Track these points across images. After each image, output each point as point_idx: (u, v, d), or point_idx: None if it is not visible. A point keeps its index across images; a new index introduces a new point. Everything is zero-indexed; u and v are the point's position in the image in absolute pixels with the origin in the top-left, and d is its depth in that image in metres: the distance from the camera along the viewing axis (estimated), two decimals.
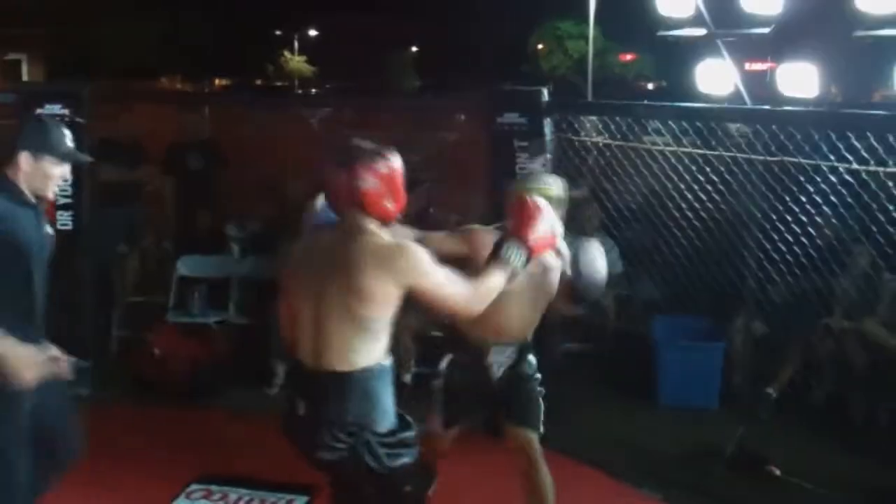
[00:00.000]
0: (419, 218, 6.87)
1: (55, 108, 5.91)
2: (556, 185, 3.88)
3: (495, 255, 3.06)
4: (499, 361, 3.95)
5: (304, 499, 4.59)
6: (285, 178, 7.54)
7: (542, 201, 3.20)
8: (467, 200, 6.57)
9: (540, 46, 32.03)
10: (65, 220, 5.85)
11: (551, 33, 31.00)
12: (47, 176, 3.47)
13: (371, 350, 2.94)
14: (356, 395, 2.93)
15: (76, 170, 5.81)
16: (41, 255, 3.48)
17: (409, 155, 8.15)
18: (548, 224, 3.15)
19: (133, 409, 5.69)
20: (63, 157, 3.51)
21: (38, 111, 5.85)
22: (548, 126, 5.47)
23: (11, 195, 3.40)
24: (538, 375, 4.03)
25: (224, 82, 19.52)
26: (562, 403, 5.35)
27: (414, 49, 21.79)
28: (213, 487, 4.68)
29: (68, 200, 5.84)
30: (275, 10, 22.92)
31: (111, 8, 22.88)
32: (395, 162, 3.06)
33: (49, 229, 3.61)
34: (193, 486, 4.68)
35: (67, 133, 3.56)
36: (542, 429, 3.94)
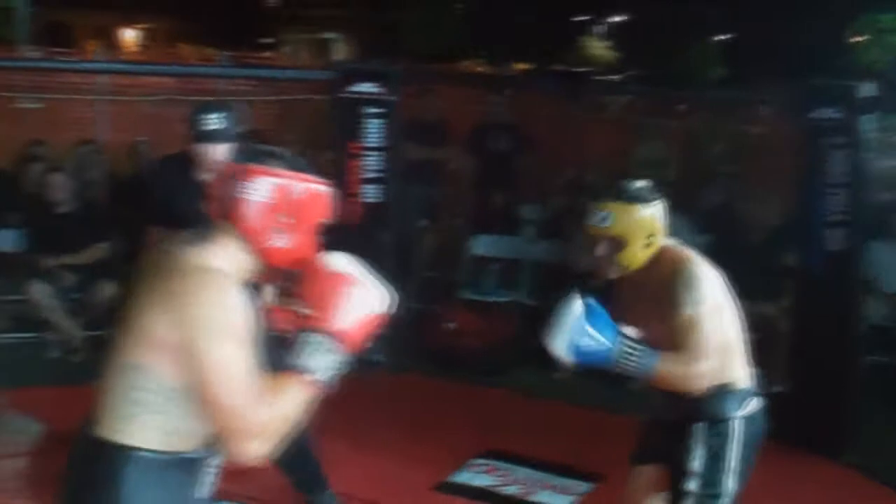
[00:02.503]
0: (715, 214, 6.71)
1: (368, 87, 6.19)
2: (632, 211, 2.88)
3: (290, 361, 1.99)
4: (655, 407, 3.10)
5: (589, 485, 4.57)
6: (582, 163, 7.56)
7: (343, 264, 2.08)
8: (768, 198, 6.31)
9: (856, 40, 30.15)
10: (373, 193, 6.13)
11: (870, 26, 29.08)
12: (200, 156, 3.79)
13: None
14: None
15: (386, 147, 6.14)
16: None
17: (707, 147, 7.98)
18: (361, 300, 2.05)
19: (423, 378, 5.91)
20: (198, 138, 3.78)
21: (350, 89, 6.17)
22: (865, 123, 5.14)
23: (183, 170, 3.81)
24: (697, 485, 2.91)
25: (524, 66, 19.74)
26: (865, 421, 5.09)
27: (720, 38, 21.10)
28: (497, 464, 4.76)
29: (378, 175, 6.12)
30: None
31: None
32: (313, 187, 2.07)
33: None
34: (477, 461, 4.78)
35: (213, 114, 3.77)
36: None
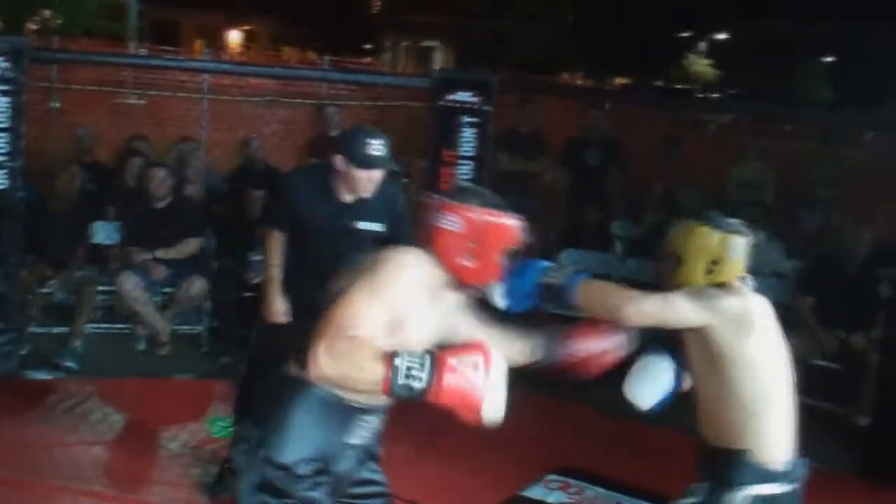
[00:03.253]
0: (812, 239, 6.53)
1: (465, 96, 6.19)
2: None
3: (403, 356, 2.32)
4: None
5: None
6: (679, 182, 7.43)
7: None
8: (866, 224, 6.12)
9: None
10: None
11: None
12: (354, 179, 3.92)
13: None
14: None
15: (479, 157, 6.13)
16: (333, 245, 3.82)
17: (809, 169, 7.75)
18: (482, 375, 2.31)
19: None
20: (361, 163, 3.88)
21: (448, 97, 6.18)
22: None
23: (318, 184, 4.02)
24: None
25: (624, 81, 19.57)
26: None
27: (829, 59, 20.58)
28: (572, 481, 4.70)
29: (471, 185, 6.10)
30: (684, 12, 22.64)
31: (523, 1, 23.75)
32: (501, 219, 2.55)
33: (366, 225, 4.02)
34: (552, 477, 4.73)
35: (376, 141, 3.90)
36: None
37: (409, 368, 2.29)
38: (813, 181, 7.29)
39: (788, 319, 5.74)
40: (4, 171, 5.48)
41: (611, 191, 7.45)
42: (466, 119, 6.15)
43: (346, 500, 2.71)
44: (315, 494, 2.56)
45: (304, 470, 2.55)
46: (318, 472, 2.57)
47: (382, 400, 2.50)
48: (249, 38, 32.36)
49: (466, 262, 2.54)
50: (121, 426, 5.04)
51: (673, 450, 5.09)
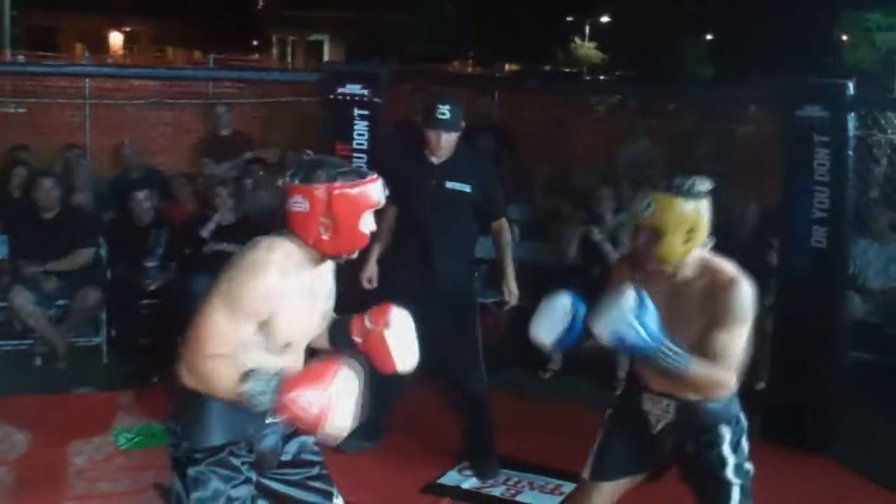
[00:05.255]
0: None
1: (355, 89, 6.17)
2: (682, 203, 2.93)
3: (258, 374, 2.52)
4: (655, 414, 3.12)
5: (573, 485, 4.54)
6: (570, 165, 7.55)
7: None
8: (755, 197, 6.33)
9: (844, 38, 30.25)
10: None
11: (858, 24, 29.19)
12: (427, 140, 4.50)
13: None
14: None
15: (372, 150, 6.13)
16: (427, 206, 4.52)
17: (695, 145, 7.95)
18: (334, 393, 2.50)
19: (410, 378, 5.87)
20: (427, 124, 4.47)
21: (339, 90, 6.15)
22: (851, 122, 5.14)
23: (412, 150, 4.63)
24: (735, 475, 3.04)
25: (513, 67, 19.74)
26: (850, 416, 5.10)
27: (709, 37, 21.11)
28: None
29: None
30: None
31: None
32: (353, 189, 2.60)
33: (454, 185, 4.54)
34: (465, 463, 4.76)
35: (443, 105, 4.43)
36: None
37: (257, 393, 2.47)
38: (699, 156, 7.48)
39: None
40: None
41: (503, 176, 7.51)
42: (358, 112, 6.12)
43: (284, 480, 2.81)
44: (236, 472, 2.66)
45: (229, 451, 2.64)
46: (240, 451, 2.67)
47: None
48: (131, 40, 31.65)
49: (325, 237, 2.59)
50: (23, 445, 4.90)
51: (577, 427, 5.20)
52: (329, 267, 2.76)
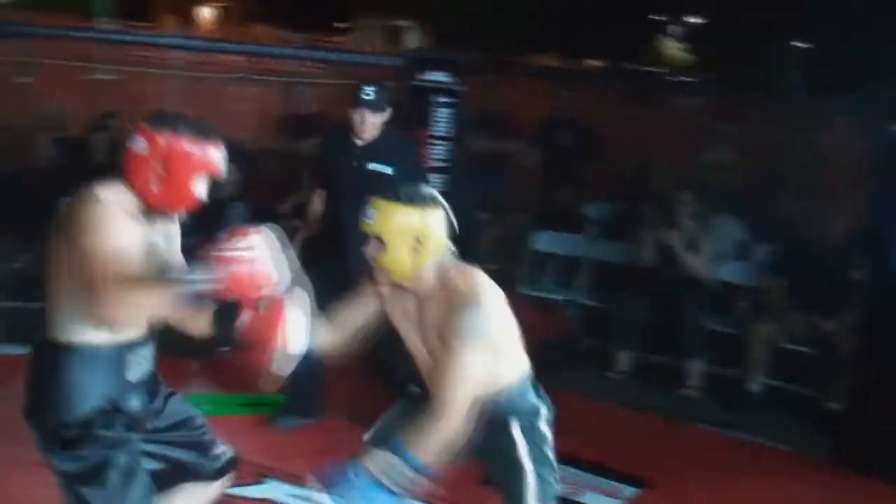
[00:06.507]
0: (784, 224, 6.56)
1: (437, 76, 6.16)
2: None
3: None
4: None
5: (636, 490, 4.53)
6: (649, 166, 7.45)
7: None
8: (835, 208, 6.19)
9: None
10: (437, 182, 6.11)
11: None
12: (352, 120, 4.57)
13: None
14: None
15: (453, 137, 6.11)
16: (350, 188, 4.40)
17: (781, 154, 7.79)
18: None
19: None
20: (353, 103, 4.56)
21: (421, 76, 6.15)
22: None
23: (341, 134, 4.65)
24: (530, 459, 2.94)
25: (596, 63, 19.54)
26: None
27: (802, 45, 20.65)
28: None
29: (443, 164, 6.09)
30: None
31: None
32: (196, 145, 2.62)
33: (376, 167, 4.54)
34: None
35: (368, 87, 4.55)
36: None
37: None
38: (785, 166, 7.34)
39: (759, 302, 5.85)
40: None
41: (583, 172, 7.46)
42: (440, 99, 6.12)
43: (165, 442, 2.83)
44: (114, 435, 2.63)
45: (95, 418, 2.61)
46: (110, 415, 2.64)
47: (143, 331, 2.70)
48: (222, 15, 32.05)
49: (153, 185, 2.60)
50: None
51: (640, 432, 5.19)
52: (170, 227, 2.78)
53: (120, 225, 2.54)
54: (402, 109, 6.20)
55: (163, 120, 2.65)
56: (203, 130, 2.68)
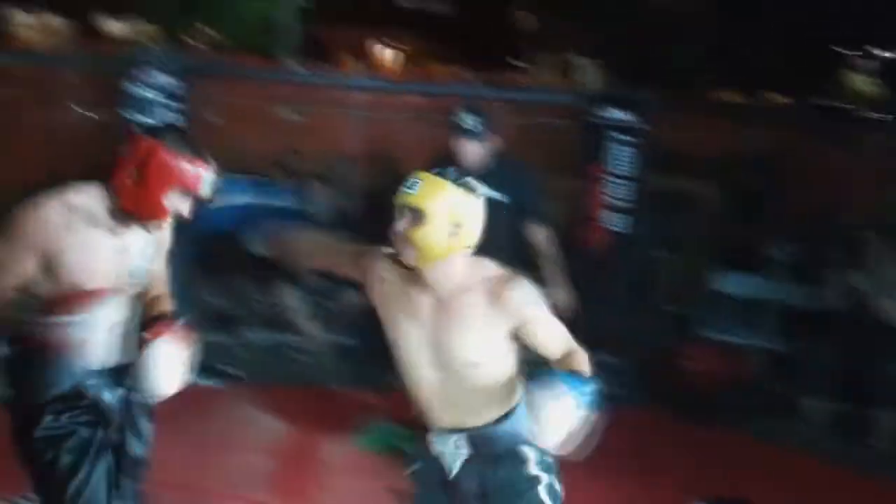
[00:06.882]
0: None
1: (619, 114, 6.11)
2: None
3: None
4: (448, 454, 2.70)
5: None
6: (839, 206, 7.15)
7: None
8: None
9: None
10: (615, 220, 6.05)
11: None
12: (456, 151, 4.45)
13: None
14: None
15: (633, 176, 6.04)
16: None
17: None
18: None
19: (652, 414, 5.76)
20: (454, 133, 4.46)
21: (600, 114, 6.11)
22: None
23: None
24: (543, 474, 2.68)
25: (781, 99, 19.00)
26: None
27: None
28: None
29: (622, 203, 6.03)
30: (842, 27, 21.92)
31: (669, 17, 23.29)
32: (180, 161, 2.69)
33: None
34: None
35: (468, 116, 4.42)
36: None
37: None
38: None
39: None
40: None
41: (766, 211, 7.22)
42: (620, 137, 6.07)
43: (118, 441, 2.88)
44: (76, 425, 2.75)
45: (57, 405, 2.74)
46: (72, 403, 2.77)
47: (84, 312, 2.68)
48: (397, 54, 32.86)
49: (127, 186, 2.68)
50: (273, 433, 5.16)
51: (827, 484, 4.96)
52: (155, 235, 2.85)
53: (48, 235, 2.64)
54: (581, 146, 6.22)
55: (155, 129, 2.82)
56: (192, 149, 2.74)
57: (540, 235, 4.70)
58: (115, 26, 20.23)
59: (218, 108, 8.10)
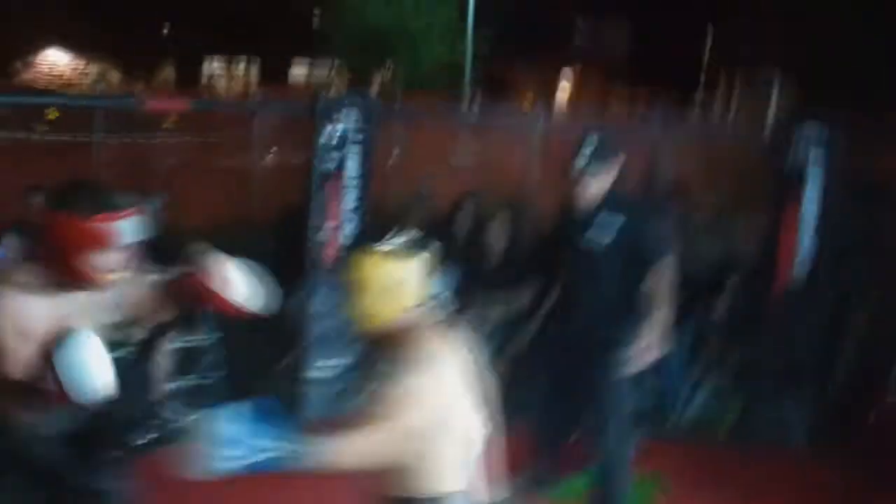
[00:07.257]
0: None
1: (803, 147, 5.83)
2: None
3: None
4: None
5: None
6: None
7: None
8: None
9: None
10: (808, 262, 5.78)
11: None
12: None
13: None
14: None
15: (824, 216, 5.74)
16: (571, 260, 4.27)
17: None
18: None
19: (848, 464, 5.43)
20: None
21: (790, 148, 5.85)
22: None
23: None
24: None
25: None
26: None
27: None
28: None
29: (815, 243, 5.78)
30: None
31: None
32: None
33: (592, 236, 4.14)
34: None
35: (582, 150, 4.04)
36: None
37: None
38: None
39: None
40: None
41: None
42: (812, 170, 5.81)
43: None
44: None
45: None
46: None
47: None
48: (577, 86, 32.72)
49: (51, 263, 2.67)
50: None
51: None
52: (100, 295, 2.74)
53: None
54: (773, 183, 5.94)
55: (59, 198, 2.67)
56: (105, 201, 2.66)
57: (656, 278, 4.25)
58: (301, 71, 21.05)
59: (403, 149, 8.24)
